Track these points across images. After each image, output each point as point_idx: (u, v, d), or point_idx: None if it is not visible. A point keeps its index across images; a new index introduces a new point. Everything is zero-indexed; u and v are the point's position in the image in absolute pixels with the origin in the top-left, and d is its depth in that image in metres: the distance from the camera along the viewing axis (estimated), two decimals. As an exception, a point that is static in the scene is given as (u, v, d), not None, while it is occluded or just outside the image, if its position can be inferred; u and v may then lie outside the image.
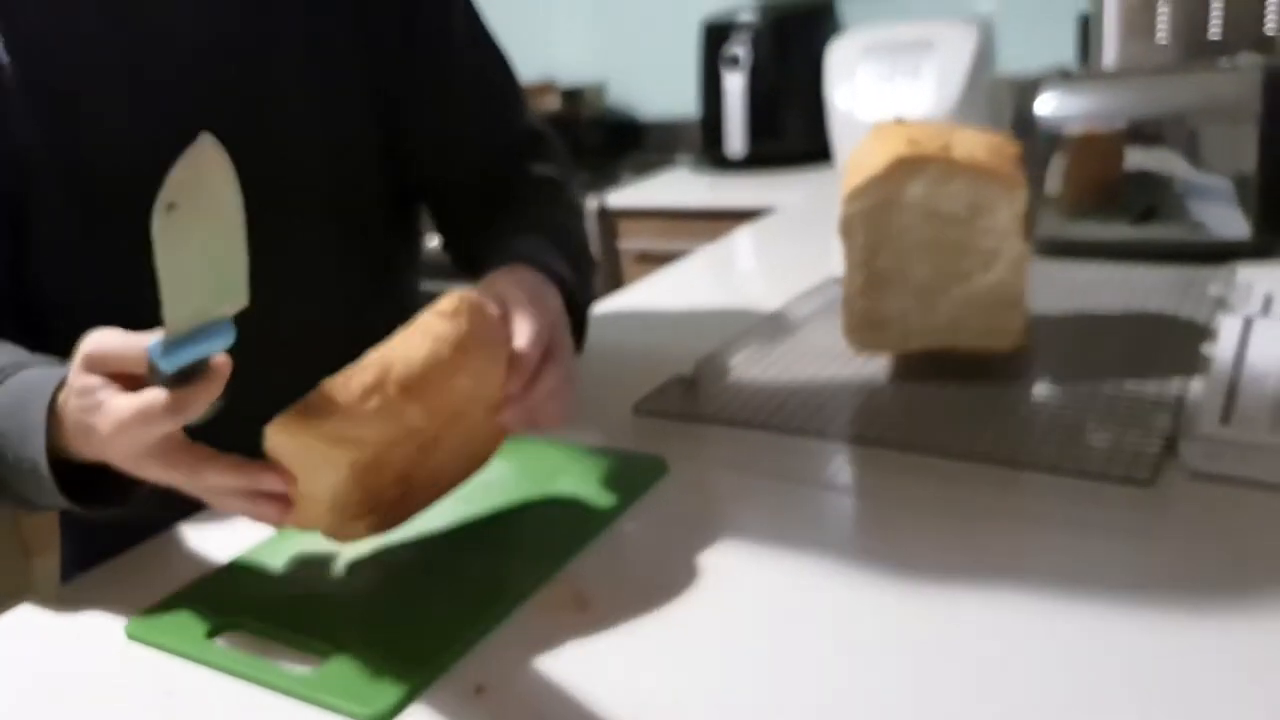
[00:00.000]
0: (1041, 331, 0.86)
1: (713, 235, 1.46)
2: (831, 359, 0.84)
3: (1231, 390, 0.66)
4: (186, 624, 0.55)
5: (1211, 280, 0.94)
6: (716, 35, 1.91)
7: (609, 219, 1.89)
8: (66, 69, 0.71)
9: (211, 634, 0.54)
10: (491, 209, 0.87)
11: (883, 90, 1.55)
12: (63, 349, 0.57)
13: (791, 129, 1.87)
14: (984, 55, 1.54)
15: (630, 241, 1.88)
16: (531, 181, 0.88)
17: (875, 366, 0.82)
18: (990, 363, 0.78)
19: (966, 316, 0.76)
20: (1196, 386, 0.70)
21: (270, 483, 0.52)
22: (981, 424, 0.69)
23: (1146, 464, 0.60)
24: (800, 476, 0.67)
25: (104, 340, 0.52)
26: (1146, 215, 1.04)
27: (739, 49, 1.84)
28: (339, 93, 0.80)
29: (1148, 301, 0.91)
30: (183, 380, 0.49)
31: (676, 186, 1.95)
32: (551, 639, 0.52)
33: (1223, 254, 1.02)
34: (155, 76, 0.73)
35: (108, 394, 0.51)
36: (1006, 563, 0.55)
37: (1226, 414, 0.64)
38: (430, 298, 0.58)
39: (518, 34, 2.49)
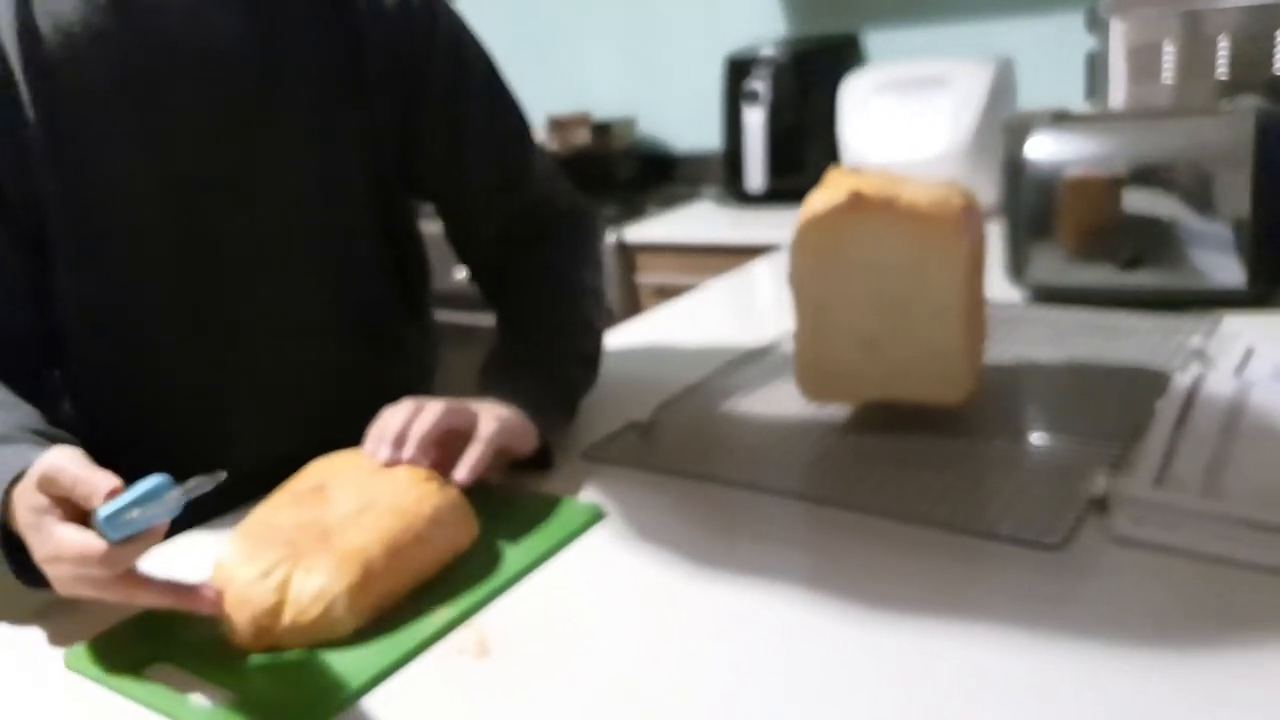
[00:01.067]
0: (1005, 380, 0.85)
1: (730, 270, 1.47)
2: (797, 405, 0.85)
3: (1170, 451, 0.65)
4: (121, 657, 0.58)
5: (1197, 330, 0.92)
6: (738, 70, 1.92)
7: (628, 253, 1.92)
8: (79, 118, 0.75)
9: (141, 667, 0.57)
10: (505, 259, 0.91)
11: (895, 128, 1.55)
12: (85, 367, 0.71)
13: (812, 164, 1.87)
14: (1000, 94, 1.53)
15: (648, 276, 1.90)
16: (536, 264, 0.90)
17: (834, 414, 0.82)
18: (943, 414, 0.78)
19: (914, 368, 0.76)
20: (1143, 445, 0.69)
21: (202, 605, 0.58)
22: (917, 482, 0.69)
23: (1061, 528, 0.60)
24: (737, 530, 0.68)
25: (61, 466, 0.56)
26: (1135, 261, 1.02)
27: (759, 84, 1.86)
28: (337, 137, 0.84)
29: (1125, 352, 0.90)
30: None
31: (697, 221, 1.96)
32: (447, 683, 0.54)
33: (1216, 302, 1.00)
34: (160, 124, 0.77)
35: (51, 521, 0.55)
36: (909, 622, 0.55)
37: (1161, 475, 0.64)
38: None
39: (553, 67, 2.54)
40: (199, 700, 0.54)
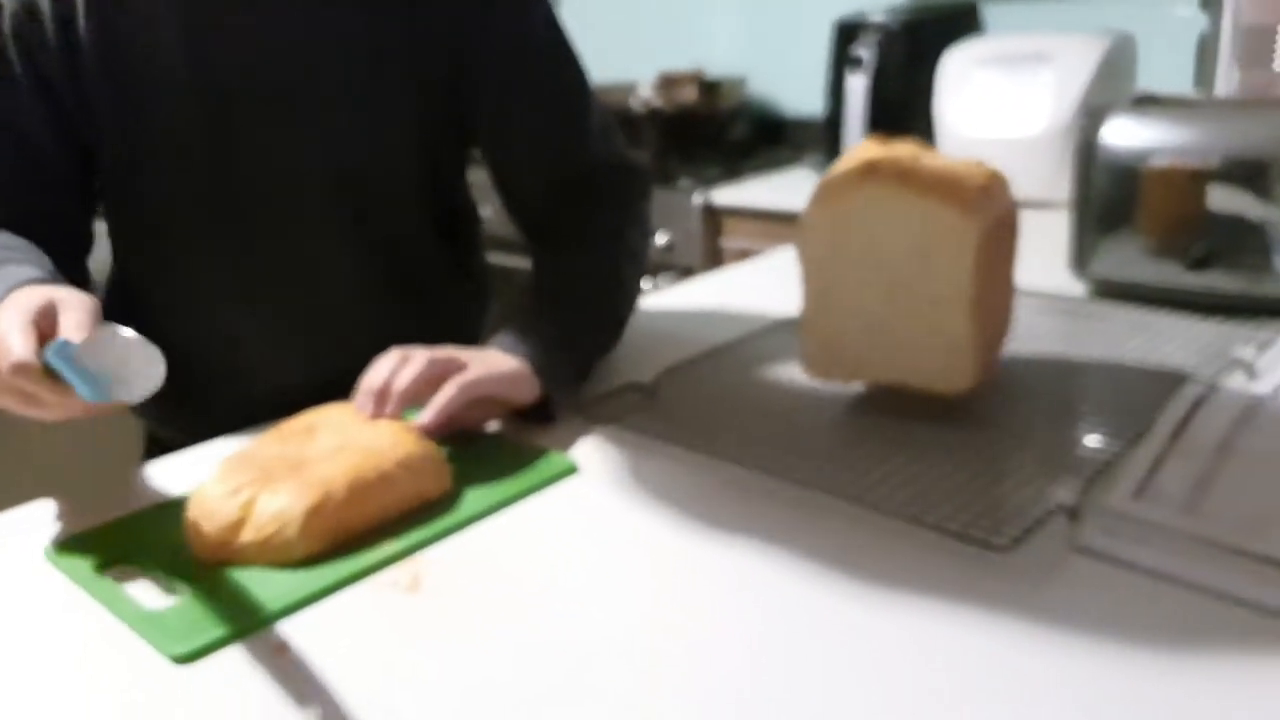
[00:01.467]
0: (1027, 374, 0.81)
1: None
2: (804, 378, 0.83)
3: (1159, 462, 0.61)
4: (90, 554, 0.62)
5: (1254, 340, 0.86)
6: (846, 34, 1.86)
7: (715, 216, 1.90)
8: (129, 27, 0.79)
9: (102, 567, 0.61)
10: (549, 213, 0.91)
11: (994, 104, 1.47)
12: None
13: (914, 137, 1.80)
14: (1113, 75, 1.43)
15: (733, 240, 1.88)
16: (578, 221, 0.90)
17: (839, 391, 0.80)
18: (948, 402, 0.75)
19: (917, 355, 0.74)
20: (1135, 453, 0.65)
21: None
22: (891, 467, 0.67)
23: (1011, 532, 0.57)
24: (706, 500, 0.67)
25: (64, 295, 0.62)
26: (1203, 262, 0.95)
27: (864, 50, 1.79)
28: (385, 75, 0.84)
29: (1169, 355, 0.84)
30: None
31: (789, 188, 1.92)
32: (371, 614, 0.56)
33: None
34: (205, 39, 0.80)
35: (15, 322, 0.60)
36: (831, 601, 0.54)
37: (1144, 487, 0.60)
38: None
39: (670, 22, 2.52)
40: (141, 600, 0.57)
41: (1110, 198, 1.00)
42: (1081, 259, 1.03)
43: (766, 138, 2.34)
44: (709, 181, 1.98)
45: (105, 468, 1.01)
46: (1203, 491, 0.58)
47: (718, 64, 2.43)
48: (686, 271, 1.90)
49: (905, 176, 0.70)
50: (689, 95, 2.26)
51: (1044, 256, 1.14)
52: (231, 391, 0.88)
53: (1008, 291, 0.79)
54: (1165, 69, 1.62)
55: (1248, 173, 0.93)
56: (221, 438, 0.79)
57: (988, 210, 0.71)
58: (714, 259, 1.90)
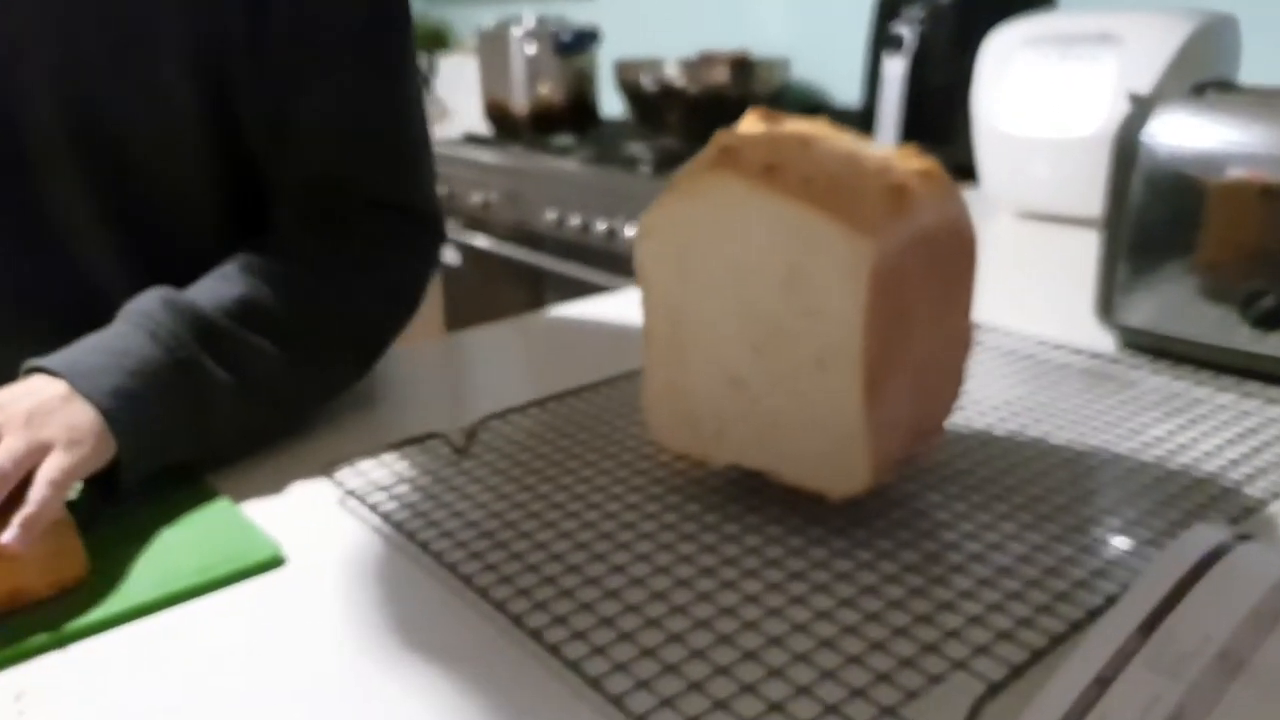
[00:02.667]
0: (983, 465, 0.56)
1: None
2: (647, 448, 0.59)
3: (1113, 672, 0.36)
4: None
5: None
6: (888, 10, 1.59)
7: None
8: None
9: None
10: (292, 229, 0.69)
11: (1041, 96, 1.20)
12: None
13: (959, 132, 1.53)
14: (1195, 62, 1.14)
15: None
16: (312, 254, 0.65)
17: (695, 470, 0.57)
18: (848, 502, 0.51)
19: (794, 435, 0.50)
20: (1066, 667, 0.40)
21: None
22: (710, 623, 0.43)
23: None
24: (423, 632, 0.45)
25: None
26: (1276, 316, 0.68)
27: (905, 29, 1.52)
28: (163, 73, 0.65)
29: (1203, 457, 0.58)
30: None
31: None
32: None
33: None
34: None
35: None
36: None
37: None
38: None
39: (715, 2, 2.28)
40: None
41: (1153, 219, 0.73)
42: (1108, 300, 0.76)
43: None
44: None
45: None
46: (1174, 745, 0.33)
47: (764, 45, 2.17)
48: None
49: (774, 171, 0.46)
50: (718, 76, 2.01)
51: (1072, 292, 0.88)
52: None
53: (954, 343, 0.54)
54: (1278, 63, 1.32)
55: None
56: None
57: (898, 226, 0.46)
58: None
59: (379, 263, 0.68)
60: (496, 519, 0.52)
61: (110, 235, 0.67)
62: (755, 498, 0.53)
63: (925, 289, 0.49)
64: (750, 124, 0.53)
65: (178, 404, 0.55)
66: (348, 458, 0.58)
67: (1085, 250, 1.07)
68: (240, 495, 0.56)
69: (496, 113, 2.24)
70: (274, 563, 0.50)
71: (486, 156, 2.03)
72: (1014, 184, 1.25)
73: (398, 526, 0.50)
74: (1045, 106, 1.20)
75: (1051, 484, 0.55)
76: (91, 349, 0.54)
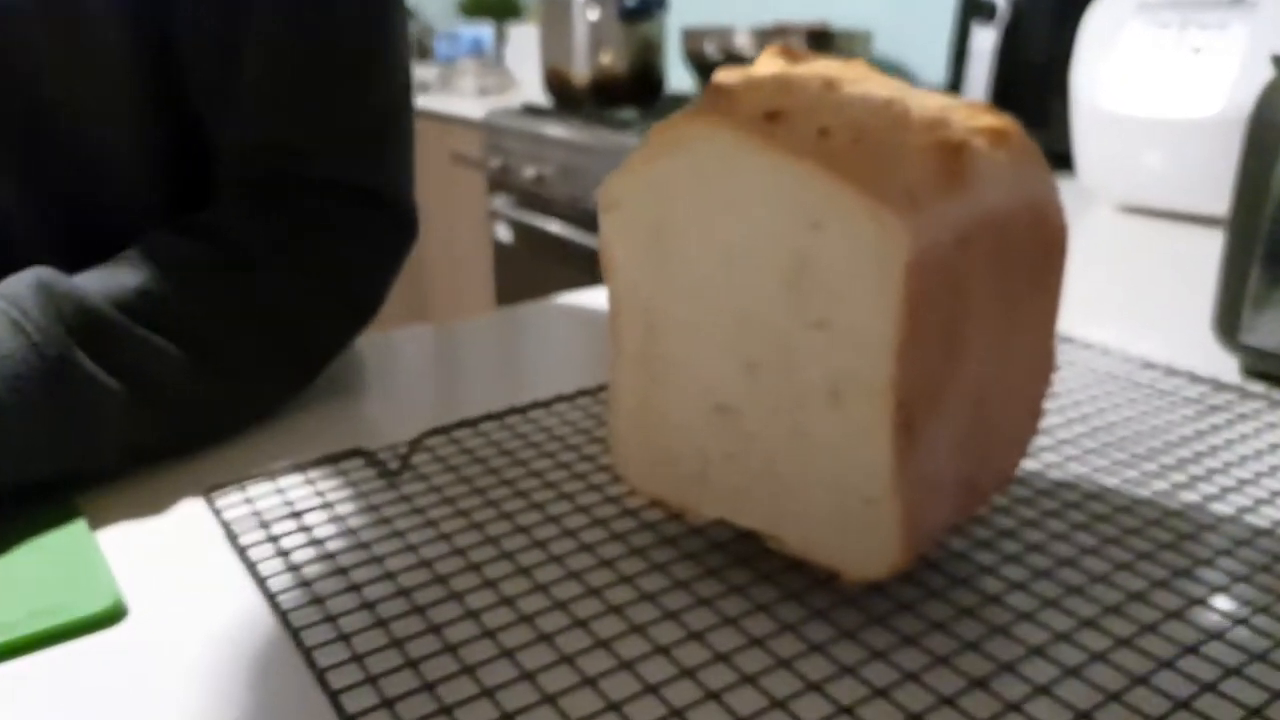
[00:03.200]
0: (1044, 510, 0.42)
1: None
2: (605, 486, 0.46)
3: None
4: None
5: None
6: (981, -23, 1.43)
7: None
8: None
9: None
10: (235, 203, 0.57)
11: (1155, 70, 1.03)
12: None
13: (1056, 114, 1.36)
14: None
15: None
16: (244, 232, 0.54)
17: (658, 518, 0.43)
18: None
19: (796, 488, 0.36)
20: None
21: None
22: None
23: None
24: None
25: None
26: None
27: (999, -4, 1.35)
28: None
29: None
30: None
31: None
32: None
33: None
34: None
35: None
36: None
37: None
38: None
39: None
40: None
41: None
42: (1232, 317, 0.61)
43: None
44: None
45: None
46: None
47: (846, 15, 2.02)
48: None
49: (780, 120, 0.33)
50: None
51: (1184, 304, 0.73)
52: None
53: (1026, 369, 0.40)
54: None
55: None
56: None
57: (952, 202, 0.32)
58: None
59: (327, 255, 0.56)
60: (391, 582, 0.40)
61: (23, 204, 0.57)
62: (745, 546, 0.40)
63: (987, 293, 0.35)
64: (766, 63, 0.39)
65: (45, 414, 0.44)
66: (239, 478, 0.46)
67: (1203, 254, 0.90)
68: (105, 516, 0.45)
69: (556, 83, 2.12)
70: (111, 617, 0.38)
71: (543, 128, 1.91)
72: (1118, 173, 1.08)
73: (261, 583, 0.38)
74: (1159, 83, 1.03)
75: (1144, 547, 0.40)
76: None
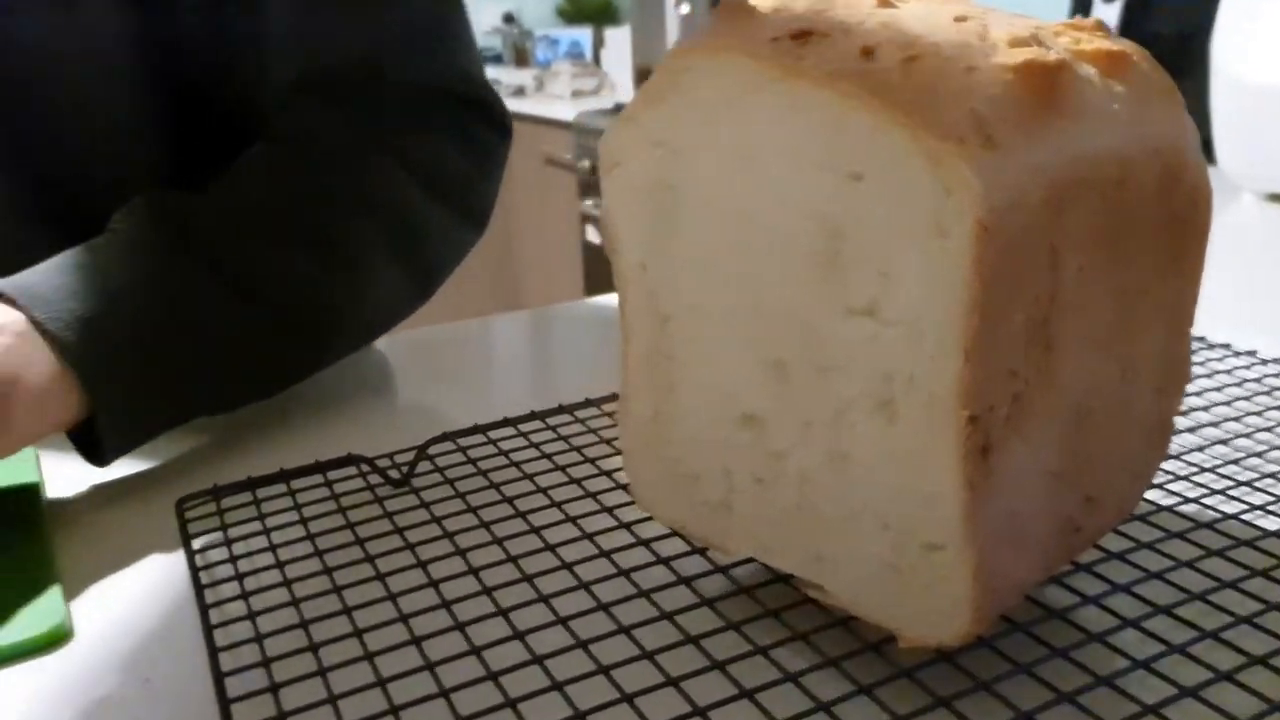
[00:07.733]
0: (1155, 534, 0.32)
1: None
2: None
3: None
4: None
5: None
6: (1105, -52, 1.30)
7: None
8: None
9: None
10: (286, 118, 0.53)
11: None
12: None
13: (1191, 95, 1.22)
14: None
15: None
16: (306, 138, 0.51)
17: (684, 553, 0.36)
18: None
19: (840, 523, 0.28)
20: None
21: None
22: None
23: None
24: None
25: None
26: None
27: (1124, -34, 1.23)
28: None
29: None
30: None
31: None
32: None
33: None
34: None
35: None
36: None
37: None
38: None
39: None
40: None
41: None
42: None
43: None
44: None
45: None
46: None
47: None
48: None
49: (811, 40, 0.25)
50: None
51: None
52: None
53: (1149, 376, 0.31)
54: None
55: None
56: None
57: (1039, 144, 0.24)
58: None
59: (429, 151, 0.52)
60: (349, 629, 0.33)
61: (11, 183, 0.53)
62: (780, 593, 0.32)
63: (1093, 271, 0.26)
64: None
65: (159, 325, 0.42)
66: (214, 487, 0.40)
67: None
68: (72, 532, 0.40)
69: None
70: (53, 639, 0.33)
71: (631, 127, 1.85)
72: (1264, 158, 0.95)
73: (204, 612, 0.32)
74: (1314, 53, 0.90)
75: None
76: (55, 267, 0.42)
